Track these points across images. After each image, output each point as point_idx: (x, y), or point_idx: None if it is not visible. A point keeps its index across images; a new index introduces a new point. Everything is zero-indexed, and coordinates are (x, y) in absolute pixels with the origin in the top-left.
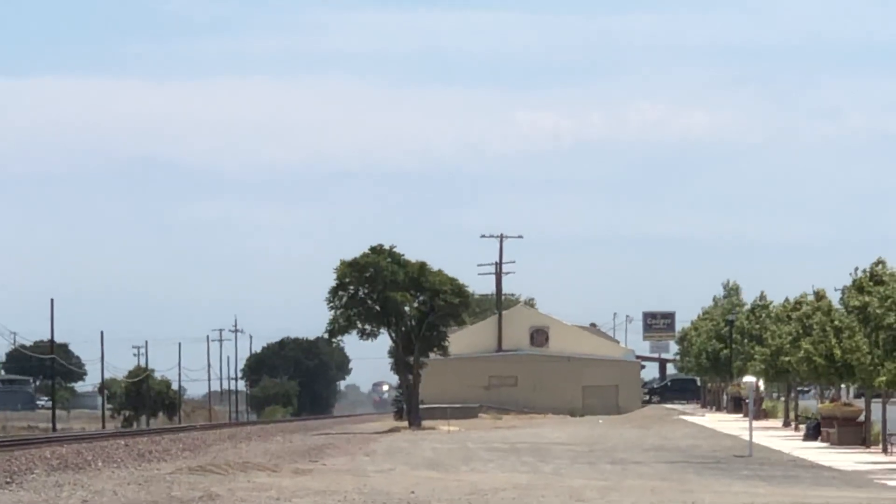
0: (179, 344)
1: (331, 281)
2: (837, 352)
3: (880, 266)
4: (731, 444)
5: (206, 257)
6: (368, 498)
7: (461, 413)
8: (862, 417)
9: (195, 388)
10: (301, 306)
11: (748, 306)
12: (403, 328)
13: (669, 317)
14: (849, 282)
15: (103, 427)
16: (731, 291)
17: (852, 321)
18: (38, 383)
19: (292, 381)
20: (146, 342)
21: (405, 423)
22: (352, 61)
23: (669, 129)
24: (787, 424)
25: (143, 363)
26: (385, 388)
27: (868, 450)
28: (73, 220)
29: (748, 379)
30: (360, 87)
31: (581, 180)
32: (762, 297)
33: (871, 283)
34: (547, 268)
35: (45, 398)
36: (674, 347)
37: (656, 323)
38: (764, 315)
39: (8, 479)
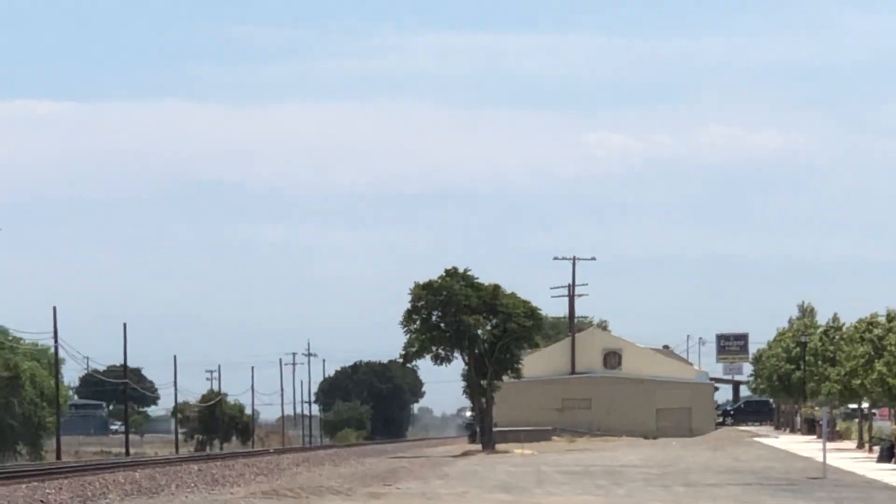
0: (252, 368)
1: (403, 304)
2: None
3: None
4: (804, 465)
5: (279, 281)
6: None
7: (534, 436)
8: None
9: (268, 412)
10: (374, 330)
11: (822, 328)
12: (477, 351)
13: (743, 338)
14: None
15: (176, 451)
16: (807, 313)
17: None
18: (111, 408)
19: (365, 405)
20: (219, 366)
21: (479, 447)
22: (421, 84)
23: (740, 150)
24: (860, 446)
25: (216, 387)
26: (469, 413)
27: None
28: (145, 243)
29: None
30: (430, 110)
31: (653, 202)
32: (835, 318)
33: None
34: (620, 290)
35: (119, 423)
36: (747, 369)
37: (730, 345)
38: (838, 337)
39: None
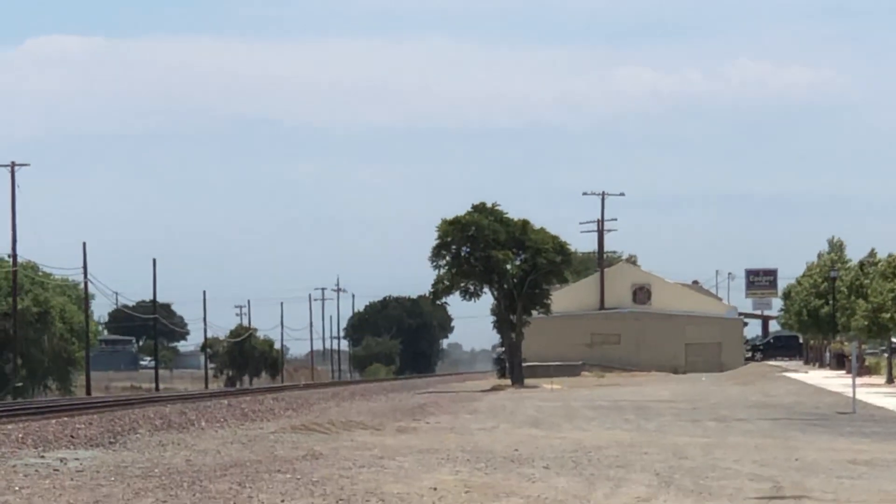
0: (282, 303)
1: (433, 240)
2: None
3: None
4: (833, 400)
5: (309, 216)
6: (472, 456)
7: (564, 371)
8: None
9: (298, 348)
10: (403, 265)
11: (852, 262)
12: (506, 286)
13: (772, 274)
14: None
15: (206, 386)
16: (836, 248)
17: None
18: (140, 343)
19: (394, 340)
20: (248, 301)
21: (508, 382)
22: (452, 20)
23: (770, 85)
24: (890, 381)
25: (245, 322)
26: (504, 349)
27: None
28: (175, 179)
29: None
30: (460, 45)
31: (682, 138)
32: (871, 253)
33: None
34: (649, 225)
35: (148, 358)
36: (776, 304)
37: (759, 280)
38: (872, 271)
39: (112, 440)
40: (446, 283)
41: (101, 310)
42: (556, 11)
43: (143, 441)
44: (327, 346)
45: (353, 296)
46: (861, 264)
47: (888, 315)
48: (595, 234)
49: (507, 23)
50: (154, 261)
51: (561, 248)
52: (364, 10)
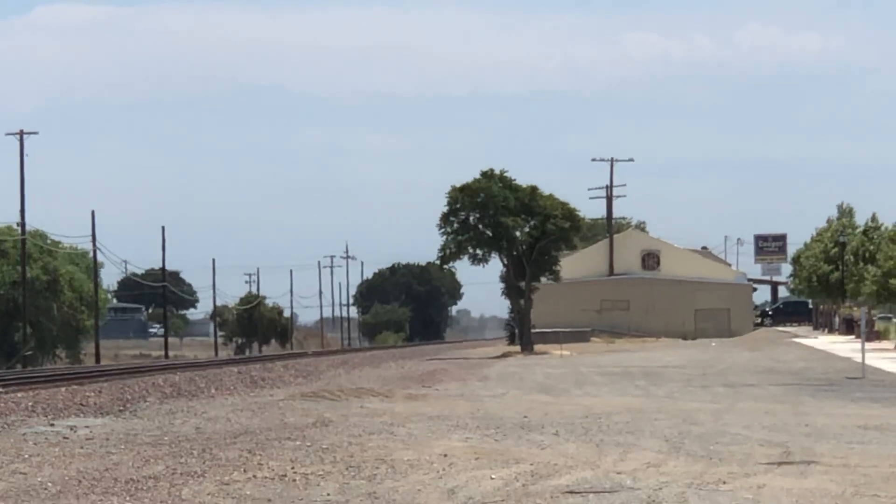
0: (291, 271)
1: (442, 206)
2: None
3: None
4: (843, 366)
5: (317, 184)
6: (482, 422)
7: (573, 337)
8: None
9: (307, 315)
10: (412, 232)
11: (861, 228)
12: (515, 253)
13: (781, 239)
14: None
15: (216, 354)
16: (845, 213)
17: None
18: (150, 311)
19: (404, 307)
20: (258, 269)
21: (517, 348)
22: None
23: (780, 51)
24: None
25: (254, 290)
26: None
27: None
28: (183, 147)
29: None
30: (468, 12)
31: (691, 103)
32: (874, 218)
33: None
34: (658, 191)
35: (158, 326)
36: (785, 270)
37: (768, 245)
38: (877, 236)
39: (121, 408)
40: (453, 248)
41: (110, 278)
42: None
43: (152, 409)
44: (336, 313)
45: (362, 263)
46: (865, 230)
47: None
48: (604, 200)
49: None
50: (163, 228)
51: (570, 214)
52: None
